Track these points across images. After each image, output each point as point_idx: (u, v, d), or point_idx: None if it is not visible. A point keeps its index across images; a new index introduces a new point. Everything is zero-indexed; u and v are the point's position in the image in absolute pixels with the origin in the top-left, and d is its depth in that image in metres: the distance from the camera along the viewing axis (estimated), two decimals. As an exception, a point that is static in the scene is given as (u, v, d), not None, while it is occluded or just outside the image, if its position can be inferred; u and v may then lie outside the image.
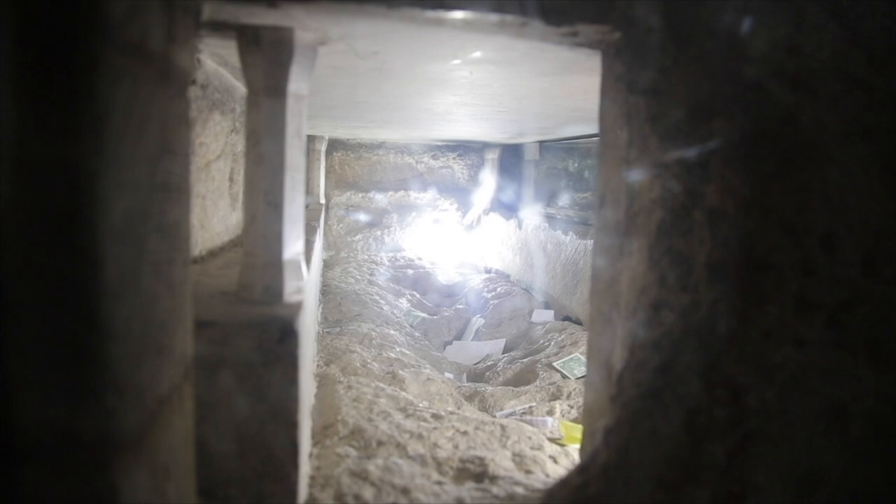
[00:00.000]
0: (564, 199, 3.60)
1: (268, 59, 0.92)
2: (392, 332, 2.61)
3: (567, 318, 2.88)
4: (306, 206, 3.40)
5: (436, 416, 1.43)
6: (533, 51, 1.12)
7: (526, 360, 2.38)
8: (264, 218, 0.97)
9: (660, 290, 0.84)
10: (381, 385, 1.66)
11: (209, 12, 0.82)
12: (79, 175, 0.43)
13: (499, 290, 3.51)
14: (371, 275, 3.81)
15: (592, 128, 2.68)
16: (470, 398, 1.93)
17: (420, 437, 1.29)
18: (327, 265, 4.05)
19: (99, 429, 0.45)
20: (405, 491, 1.06)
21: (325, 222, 4.21)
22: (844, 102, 0.85)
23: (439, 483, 1.10)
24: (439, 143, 4.68)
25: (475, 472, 1.15)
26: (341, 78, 1.51)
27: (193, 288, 0.71)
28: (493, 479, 1.12)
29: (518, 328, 2.96)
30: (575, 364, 2.19)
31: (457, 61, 1.27)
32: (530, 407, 1.80)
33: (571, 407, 1.77)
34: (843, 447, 0.79)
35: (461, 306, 3.42)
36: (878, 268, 0.82)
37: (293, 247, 1.00)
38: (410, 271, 4.12)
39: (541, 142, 3.95)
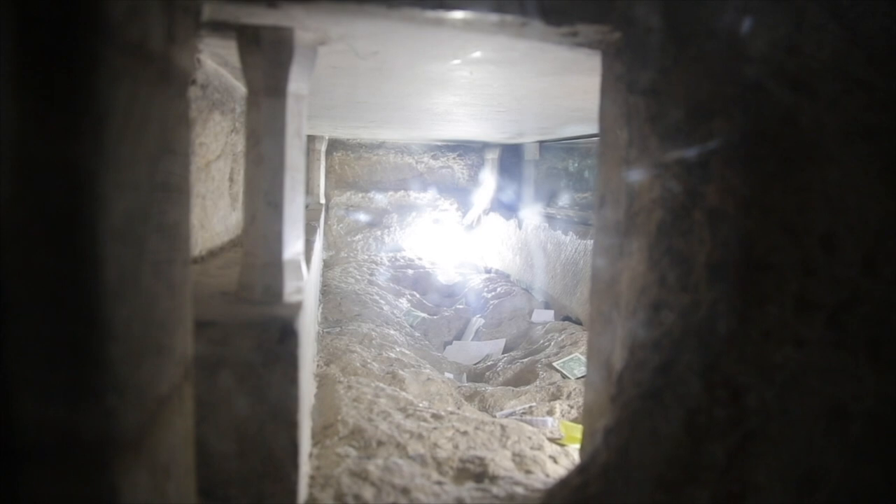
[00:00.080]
0: (564, 199, 3.60)
1: (268, 59, 0.92)
2: (392, 332, 2.61)
3: (567, 318, 2.88)
4: (306, 206, 3.40)
5: (436, 416, 1.43)
6: (533, 51, 1.12)
7: (526, 360, 2.38)
8: (264, 218, 0.97)
9: (660, 290, 0.84)
10: (381, 385, 1.66)
11: (209, 12, 0.82)
12: (79, 175, 0.43)
13: (499, 290, 3.51)
14: (371, 275, 3.81)
15: (592, 128, 2.68)
16: (470, 398, 1.93)
17: (420, 437, 1.29)
18: (327, 265, 4.05)
19: (99, 429, 0.45)
20: (405, 491, 1.06)
21: (325, 222, 4.21)
22: (844, 102, 0.85)
23: (439, 483, 1.10)
24: (439, 143, 4.68)
25: (475, 472, 1.15)
26: (341, 78, 1.51)
27: (193, 288, 0.71)
28: (493, 479, 1.12)
29: (518, 328, 2.96)
30: (575, 364, 2.19)
31: (457, 61, 1.27)
32: (530, 407, 1.80)
33: (571, 407, 1.77)
34: (843, 447, 0.79)
35: (461, 306, 3.42)
36: (878, 268, 0.82)
37: (293, 247, 1.00)
38: (410, 271, 4.12)
39: (541, 142, 3.95)
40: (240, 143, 1.72)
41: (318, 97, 1.89)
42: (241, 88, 1.67)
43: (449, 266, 4.34)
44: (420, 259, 4.48)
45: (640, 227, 0.87)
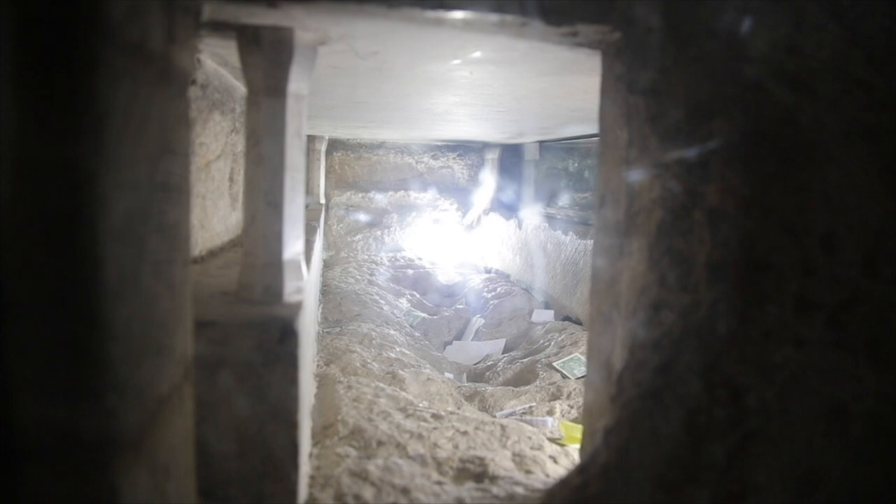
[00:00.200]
0: (564, 199, 3.60)
1: (268, 59, 0.92)
2: (392, 332, 2.61)
3: (567, 318, 2.88)
4: (306, 206, 3.40)
5: (436, 416, 1.43)
6: (533, 51, 1.12)
7: (526, 360, 2.38)
8: (264, 218, 0.97)
9: (660, 290, 0.84)
10: (381, 385, 1.66)
11: (209, 12, 0.82)
12: (79, 175, 0.43)
13: (499, 290, 3.51)
14: (371, 275, 3.81)
15: (592, 128, 2.68)
16: (470, 398, 1.93)
17: (420, 437, 1.29)
18: (327, 265, 4.05)
19: (99, 429, 0.45)
20: (405, 491, 1.06)
21: (325, 222, 4.21)
22: (844, 102, 0.85)
23: (439, 483, 1.10)
24: (439, 143, 4.68)
25: (475, 472, 1.15)
26: (341, 78, 1.51)
27: (193, 288, 0.71)
28: (493, 479, 1.12)
29: (518, 328, 2.96)
30: (575, 364, 2.19)
31: (457, 61, 1.27)
32: (530, 407, 1.80)
33: (571, 407, 1.77)
34: (843, 447, 0.79)
35: (461, 306, 3.42)
36: (878, 268, 0.82)
37: (293, 247, 1.00)
38: (410, 271, 4.12)
39: (541, 142, 3.95)
40: (240, 143, 1.72)
41: (318, 97, 1.89)
42: (241, 88, 1.67)
43: (449, 266, 4.34)
44: (420, 259, 4.48)
45: (640, 227, 0.87)
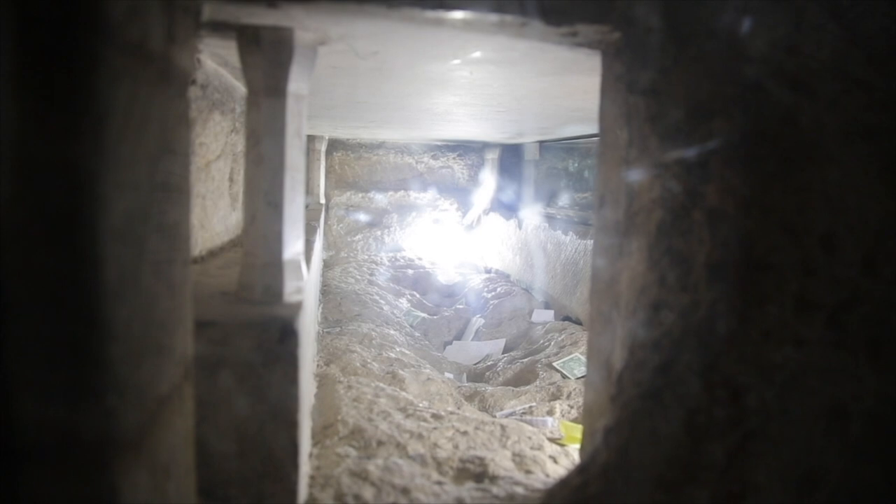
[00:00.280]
0: (564, 199, 3.60)
1: (268, 59, 0.92)
2: (392, 332, 2.61)
3: (567, 318, 2.88)
4: (306, 206, 3.40)
5: (436, 416, 1.43)
6: (533, 51, 1.12)
7: (526, 360, 2.38)
8: (264, 218, 0.97)
9: (659, 290, 0.84)
10: (381, 385, 1.66)
11: (209, 12, 0.82)
12: (79, 175, 0.43)
13: (499, 290, 3.51)
14: (371, 275, 3.81)
15: (592, 128, 2.68)
16: (470, 398, 1.93)
17: (420, 437, 1.29)
18: (327, 265, 4.05)
19: (99, 429, 0.45)
20: (405, 491, 1.06)
21: (325, 222, 4.21)
22: (844, 102, 0.85)
23: (439, 483, 1.10)
24: (439, 143, 4.68)
25: (475, 472, 1.15)
26: (341, 78, 1.51)
27: (193, 288, 0.71)
28: (493, 479, 1.12)
29: (518, 328, 2.96)
30: (575, 364, 2.19)
31: (457, 61, 1.27)
32: (530, 407, 1.80)
33: (571, 407, 1.77)
34: (843, 447, 0.79)
35: (461, 306, 3.42)
36: (878, 268, 0.82)
37: (293, 247, 1.00)
38: (410, 271, 4.12)
39: (541, 142, 3.95)
40: (240, 143, 1.73)
41: (318, 97, 1.89)
42: (241, 88, 1.67)
43: (449, 266, 4.34)
44: (420, 259, 4.48)
45: (640, 227, 0.87)
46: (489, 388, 2.01)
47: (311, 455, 1.20)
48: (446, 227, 4.72)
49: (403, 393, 1.66)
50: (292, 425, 0.90)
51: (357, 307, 2.90)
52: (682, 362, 0.80)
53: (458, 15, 0.81)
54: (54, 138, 0.42)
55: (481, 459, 1.18)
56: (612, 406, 0.85)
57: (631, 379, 0.84)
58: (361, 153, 4.65)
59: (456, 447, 1.26)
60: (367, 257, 4.45)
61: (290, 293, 0.99)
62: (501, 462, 1.18)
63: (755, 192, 0.82)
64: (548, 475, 1.17)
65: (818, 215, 0.82)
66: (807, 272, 0.81)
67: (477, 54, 1.19)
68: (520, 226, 3.88)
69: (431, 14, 0.81)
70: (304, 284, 1.02)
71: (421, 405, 1.54)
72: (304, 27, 0.92)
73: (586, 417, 1.04)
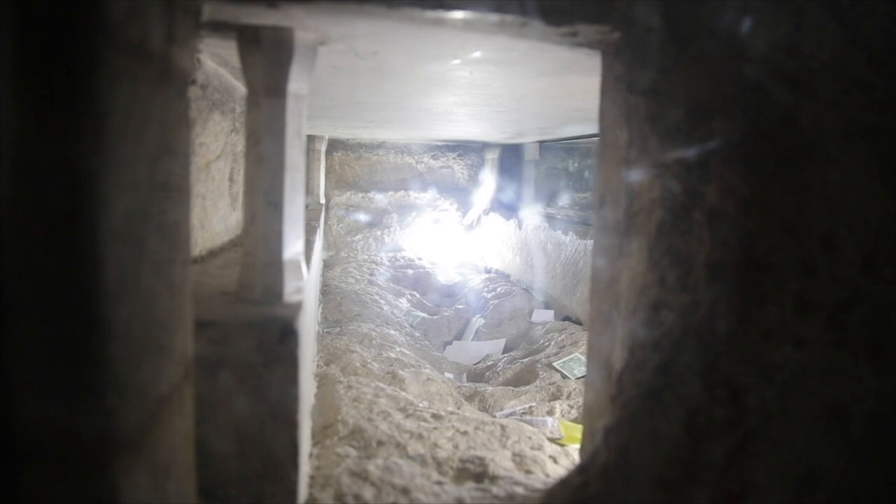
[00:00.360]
0: (564, 199, 3.60)
1: (268, 59, 0.92)
2: (392, 332, 2.61)
3: (567, 318, 2.88)
4: (306, 206, 3.40)
5: (436, 416, 1.43)
6: (533, 51, 1.12)
7: (526, 360, 2.38)
8: (264, 218, 0.97)
9: (659, 290, 0.84)
10: (381, 385, 1.66)
11: (209, 12, 0.82)
12: (79, 175, 0.43)
13: (499, 290, 3.51)
14: (371, 275, 3.81)
15: (592, 128, 2.68)
16: (470, 398, 1.93)
17: (420, 437, 1.29)
18: (327, 265, 4.05)
19: (99, 429, 0.45)
20: (405, 491, 1.06)
21: (325, 222, 4.21)
22: (844, 102, 0.85)
23: (439, 483, 1.10)
24: (439, 143, 4.68)
25: (475, 472, 1.15)
26: (341, 78, 1.51)
27: (193, 288, 0.71)
28: (493, 479, 1.12)
29: (518, 328, 2.96)
30: (575, 364, 2.19)
31: (457, 61, 1.27)
32: (530, 407, 1.80)
33: (571, 407, 1.77)
34: (843, 447, 0.79)
35: (461, 306, 3.42)
36: (878, 268, 0.82)
37: (293, 247, 1.00)
38: (410, 271, 4.12)
39: (541, 142, 3.95)
40: (240, 143, 1.73)
41: (318, 97, 1.89)
42: (241, 88, 1.67)
43: (449, 266, 4.34)
44: (420, 259, 4.48)
45: (640, 227, 0.87)
46: (489, 388, 2.01)
47: (311, 455, 1.20)
48: (446, 227, 4.72)
49: (403, 393, 1.66)
50: (292, 425, 0.90)
51: (357, 307, 2.90)
52: (682, 362, 0.80)
53: (458, 15, 0.81)
54: (54, 138, 0.42)
55: (481, 459, 1.18)
56: (612, 406, 0.85)
57: (631, 379, 0.84)
58: (361, 153, 4.66)
59: (456, 447, 1.26)
60: (367, 257, 4.45)
61: (290, 293, 0.99)
62: (501, 462, 1.18)
63: (755, 192, 0.82)
64: (548, 475, 1.17)
65: (818, 215, 0.82)
66: (807, 272, 0.81)
67: (477, 54, 1.19)
68: (520, 226, 3.88)
69: (431, 14, 0.81)
70: (304, 284, 1.02)
71: (421, 405, 1.54)
72: (304, 27, 0.92)
73: (586, 417, 1.04)
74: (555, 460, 1.25)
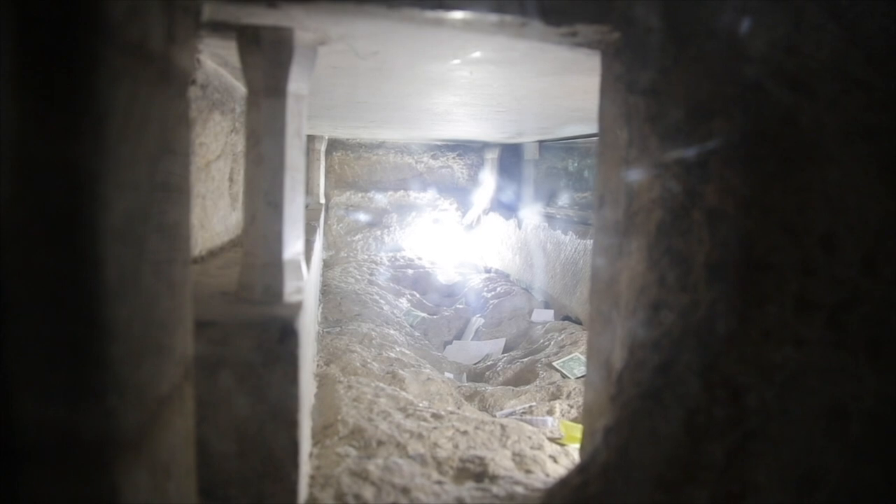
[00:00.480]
0: (564, 198, 3.60)
1: (268, 59, 0.92)
2: (392, 331, 2.61)
3: (567, 318, 2.88)
4: (306, 206, 3.40)
5: (436, 416, 1.43)
6: (533, 51, 1.12)
7: (526, 359, 2.38)
8: (264, 218, 0.97)
9: (659, 290, 0.84)
10: (381, 385, 1.66)
11: (209, 12, 0.82)
12: (79, 175, 0.43)
13: (499, 289, 3.51)
14: (371, 275, 3.81)
15: (592, 128, 2.67)
16: (470, 398, 1.93)
17: (420, 436, 1.29)
18: (327, 265, 4.05)
19: (99, 429, 0.45)
20: (405, 490, 1.06)
21: (325, 222, 4.21)
22: (844, 102, 0.85)
23: (439, 483, 1.10)
24: (439, 143, 4.68)
25: (475, 472, 1.15)
26: (341, 78, 1.51)
27: (193, 288, 0.71)
28: (493, 478, 1.12)
29: (518, 328, 2.96)
30: (575, 364, 2.19)
31: (457, 61, 1.27)
32: (530, 407, 1.80)
33: (571, 407, 1.77)
34: (843, 447, 0.79)
35: (461, 306, 3.42)
36: (878, 268, 0.82)
37: (293, 247, 1.00)
38: (410, 271, 4.12)
39: (540, 141, 3.95)
40: (240, 143, 1.73)
41: (318, 97, 1.89)
42: (241, 88, 1.67)
43: (449, 266, 4.34)
44: (420, 259, 4.48)
45: (640, 226, 0.87)
46: (489, 388, 2.01)
47: (311, 455, 1.20)
48: (446, 226, 4.72)
49: (403, 393, 1.66)
50: (292, 425, 0.90)
51: (357, 307, 2.90)
52: (681, 362, 0.80)
53: (457, 15, 0.81)
54: (54, 138, 0.42)
55: (481, 459, 1.18)
56: (612, 406, 0.85)
57: (631, 379, 0.84)
58: (361, 153, 4.66)
59: (456, 447, 1.26)
60: (366, 257, 4.45)
61: (290, 293, 0.99)
62: (501, 462, 1.18)
63: (755, 192, 0.82)
64: (548, 475, 1.17)
65: (818, 215, 0.82)
66: (807, 272, 0.81)
67: (477, 54, 1.19)
68: (519, 225, 3.88)
69: (431, 14, 0.81)
70: (304, 284, 1.02)
71: (421, 405, 1.55)
72: (304, 27, 0.92)
73: (586, 417, 1.04)
74: (555, 460, 1.25)
